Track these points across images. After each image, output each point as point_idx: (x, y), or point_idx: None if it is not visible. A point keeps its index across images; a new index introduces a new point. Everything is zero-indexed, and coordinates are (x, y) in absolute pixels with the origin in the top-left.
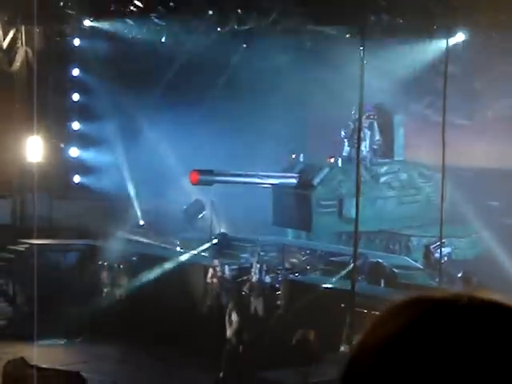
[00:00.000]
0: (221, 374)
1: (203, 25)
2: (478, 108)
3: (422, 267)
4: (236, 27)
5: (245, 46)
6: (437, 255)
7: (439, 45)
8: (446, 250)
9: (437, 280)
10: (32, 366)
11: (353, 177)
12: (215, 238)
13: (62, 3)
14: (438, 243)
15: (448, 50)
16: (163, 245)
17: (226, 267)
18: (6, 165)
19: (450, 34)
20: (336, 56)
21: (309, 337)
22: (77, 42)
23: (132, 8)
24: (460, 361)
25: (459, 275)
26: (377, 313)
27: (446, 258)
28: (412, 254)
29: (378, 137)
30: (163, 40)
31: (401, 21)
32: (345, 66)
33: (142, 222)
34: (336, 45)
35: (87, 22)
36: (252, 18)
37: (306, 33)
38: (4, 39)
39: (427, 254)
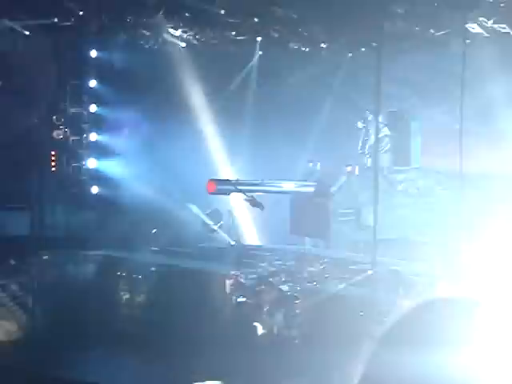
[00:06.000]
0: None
1: (219, 33)
2: (495, 115)
3: None
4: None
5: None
6: None
7: (456, 50)
8: None
9: None
10: None
11: (370, 185)
12: (233, 247)
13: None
14: None
15: (465, 55)
16: (181, 255)
17: (245, 276)
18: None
19: (466, 40)
20: (352, 64)
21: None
22: (93, 53)
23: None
24: None
25: None
26: None
27: None
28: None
29: (389, 144)
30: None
31: (416, 28)
32: (362, 74)
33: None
34: (351, 52)
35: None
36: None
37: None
38: None
39: None
